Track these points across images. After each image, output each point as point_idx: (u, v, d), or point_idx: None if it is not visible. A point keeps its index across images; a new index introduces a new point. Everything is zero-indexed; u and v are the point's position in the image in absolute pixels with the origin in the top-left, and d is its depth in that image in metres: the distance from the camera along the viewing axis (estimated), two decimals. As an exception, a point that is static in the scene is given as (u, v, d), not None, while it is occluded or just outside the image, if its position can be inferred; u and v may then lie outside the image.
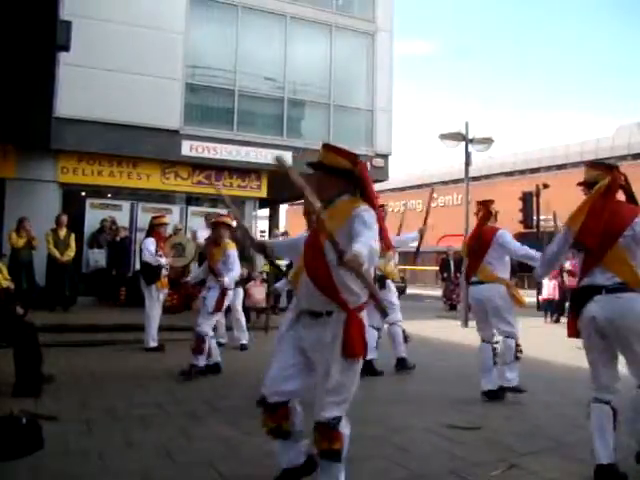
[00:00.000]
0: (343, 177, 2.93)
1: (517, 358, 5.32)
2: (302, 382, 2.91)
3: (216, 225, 6.60)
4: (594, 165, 3.72)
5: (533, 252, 5.20)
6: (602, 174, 3.50)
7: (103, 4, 12.34)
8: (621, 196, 3.56)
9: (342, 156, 2.95)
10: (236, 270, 6.36)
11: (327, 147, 3.03)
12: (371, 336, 5.89)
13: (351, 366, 2.78)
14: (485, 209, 5.60)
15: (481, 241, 5.47)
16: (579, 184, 3.66)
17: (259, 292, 10.43)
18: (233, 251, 6.35)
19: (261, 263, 10.67)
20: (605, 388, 3.35)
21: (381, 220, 2.98)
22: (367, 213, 2.74)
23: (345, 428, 2.79)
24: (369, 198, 2.91)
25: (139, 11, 12.58)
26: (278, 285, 6.83)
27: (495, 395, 5.28)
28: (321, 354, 2.80)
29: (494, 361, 5.38)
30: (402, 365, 6.59)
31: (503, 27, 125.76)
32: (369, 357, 5.92)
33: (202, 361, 6.11)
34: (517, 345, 5.34)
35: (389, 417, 4.66)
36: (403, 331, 6.68)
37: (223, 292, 6.24)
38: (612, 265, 3.29)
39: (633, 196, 3.52)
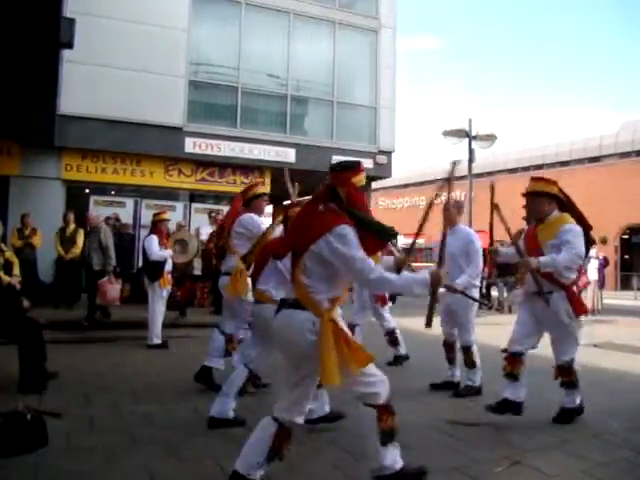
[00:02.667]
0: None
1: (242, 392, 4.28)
2: (536, 341, 4.56)
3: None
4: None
5: None
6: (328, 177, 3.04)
7: (106, 1, 12.35)
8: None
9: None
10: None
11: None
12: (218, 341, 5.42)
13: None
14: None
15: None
16: None
17: (114, 290, 9.18)
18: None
19: (113, 255, 9.46)
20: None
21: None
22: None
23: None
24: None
25: (142, 8, 12.60)
26: None
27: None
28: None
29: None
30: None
31: (506, 23, 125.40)
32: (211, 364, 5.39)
33: (403, 350, 6.88)
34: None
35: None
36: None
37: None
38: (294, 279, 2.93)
39: (341, 205, 2.92)
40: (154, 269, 7.73)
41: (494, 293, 14.94)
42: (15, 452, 3.46)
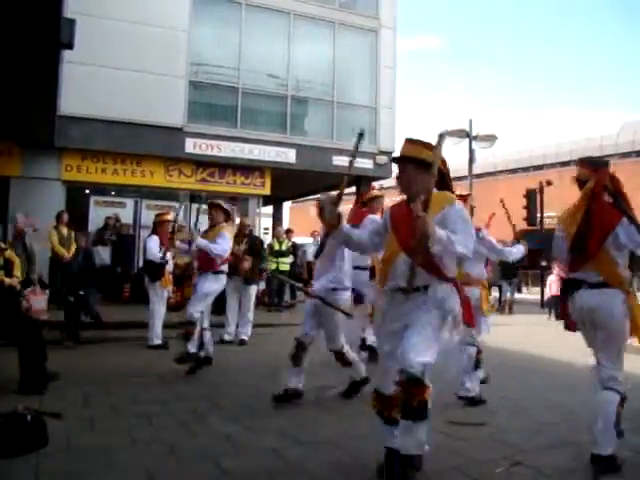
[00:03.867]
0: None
1: (477, 367, 5.09)
2: None
3: (210, 207, 6.47)
4: (583, 163, 3.74)
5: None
6: (588, 174, 3.59)
7: (107, 2, 12.37)
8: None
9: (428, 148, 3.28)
10: (222, 249, 6.14)
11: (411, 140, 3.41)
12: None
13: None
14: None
15: None
16: (574, 180, 3.70)
17: (40, 302, 8.39)
18: (225, 233, 6.30)
19: (38, 267, 9.05)
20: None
21: None
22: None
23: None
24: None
25: (143, 8, 12.62)
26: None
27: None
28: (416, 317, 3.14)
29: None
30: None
31: (507, 24, 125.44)
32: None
33: (192, 348, 5.96)
34: (478, 353, 5.11)
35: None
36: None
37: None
38: (597, 265, 3.48)
39: (617, 198, 3.52)
40: (155, 269, 7.73)
41: (494, 294, 14.97)
42: (15, 452, 3.46)
